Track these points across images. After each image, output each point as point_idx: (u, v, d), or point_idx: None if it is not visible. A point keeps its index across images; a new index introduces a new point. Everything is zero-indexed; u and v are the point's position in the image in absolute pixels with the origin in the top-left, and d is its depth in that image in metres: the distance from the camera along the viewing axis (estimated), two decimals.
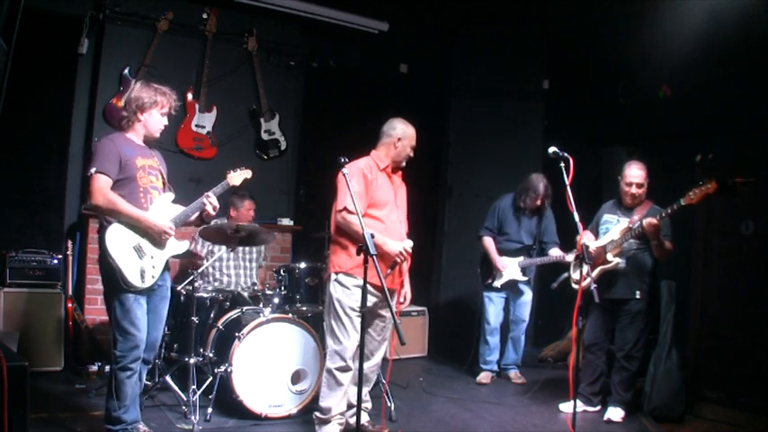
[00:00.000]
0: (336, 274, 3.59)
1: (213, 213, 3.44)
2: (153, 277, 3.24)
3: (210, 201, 3.40)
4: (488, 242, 5.16)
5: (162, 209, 3.33)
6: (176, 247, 3.40)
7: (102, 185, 3.12)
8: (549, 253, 4.98)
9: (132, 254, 3.17)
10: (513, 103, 6.55)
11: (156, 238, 3.25)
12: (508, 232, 5.12)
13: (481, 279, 5.24)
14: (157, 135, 3.42)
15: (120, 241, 3.15)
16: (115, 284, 3.14)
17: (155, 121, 3.35)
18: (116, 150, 3.18)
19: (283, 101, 5.88)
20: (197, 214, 3.44)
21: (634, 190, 4.28)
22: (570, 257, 4.69)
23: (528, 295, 5.21)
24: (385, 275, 3.44)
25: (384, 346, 3.81)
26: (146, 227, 3.20)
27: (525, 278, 5.10)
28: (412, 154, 3.78)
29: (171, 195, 3.44)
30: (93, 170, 3.13)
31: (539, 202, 5.03)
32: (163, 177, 3.43)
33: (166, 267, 3.39)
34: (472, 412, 4.43)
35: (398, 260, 3.53)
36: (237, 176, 3.73)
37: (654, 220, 3.97)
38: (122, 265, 3.12)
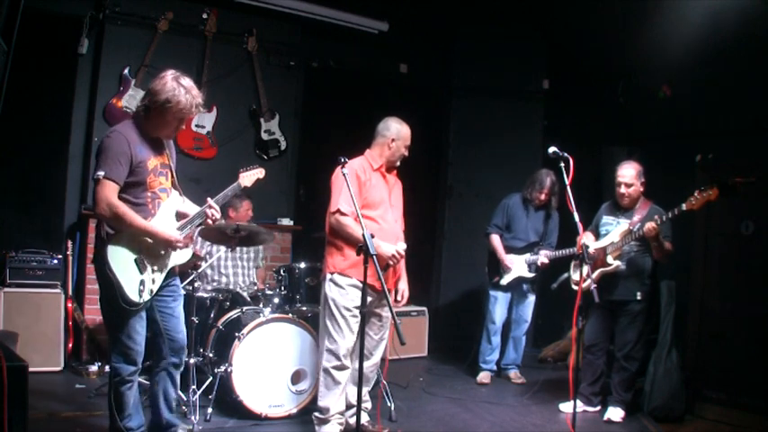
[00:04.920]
0: (331, 274, 3.59)
1: (212, 225, 3.31)
2: (151, 291, 3.09)
3: (212, 212, 3.23)
4: (496, 240, 5.15)
5: (168, 214, 3.18)
6: (180, 256, 3.25)
7: (108, 194, 2.91)
8: (539, 252, 4.99)
9: (133, 267, 3.01)
10: (513, 103, 6.55)
11: (163, 248, 3.12)
12: (515, 230, 5.12)
13: (488, 277, 5.24)
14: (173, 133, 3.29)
15: (121, 256, 2.99)
16: (113, 299, 2.98)
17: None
18: (128, 151, 2.96)
19: (283, 101, 5.88)
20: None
21: (623, 189, 4.29)
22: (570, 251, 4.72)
23: (532, 296, 5.22)
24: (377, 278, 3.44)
25: (383, 345, 3.80)
26: (153, 238, 3.04)
27: (532, 275, 5.09)
28: (407, 153, 3.76)
29: (178, 197, 3.28)
30: (100, 174, 2.91)
31: (543, 197, 5.03)
32: (172, 173, 3.25)
33: (172, 270, 3.26)
34: (472, 412, 4.43)
35: (391, 263, 3.50)
36: (250, 177, 3.57)
37: (653, 225, 3.97)
38: (122, 280, 2.95)
